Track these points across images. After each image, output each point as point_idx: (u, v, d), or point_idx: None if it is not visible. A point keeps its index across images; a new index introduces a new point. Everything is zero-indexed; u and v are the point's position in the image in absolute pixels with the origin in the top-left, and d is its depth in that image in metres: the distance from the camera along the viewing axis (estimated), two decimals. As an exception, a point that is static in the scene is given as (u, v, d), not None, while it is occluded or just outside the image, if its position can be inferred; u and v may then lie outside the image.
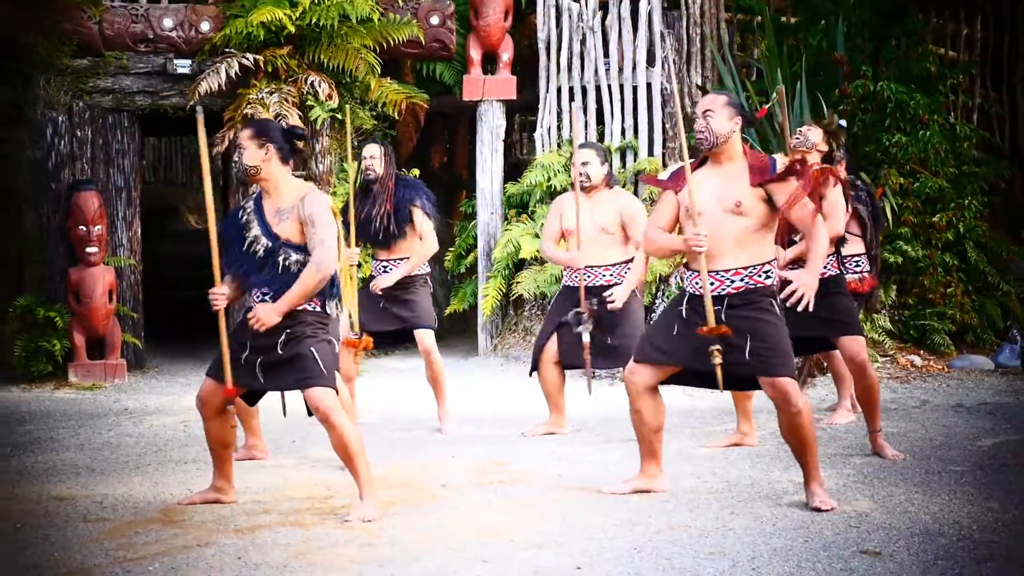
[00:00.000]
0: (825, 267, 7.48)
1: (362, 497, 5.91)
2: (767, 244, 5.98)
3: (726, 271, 5.93)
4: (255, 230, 5.93)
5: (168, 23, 11.85)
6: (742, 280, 5.93)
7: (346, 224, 8.33)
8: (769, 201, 5.92)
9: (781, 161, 5.94)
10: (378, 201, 8.45)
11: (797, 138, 7.56)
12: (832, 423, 8.54)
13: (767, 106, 8.69)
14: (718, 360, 5.88)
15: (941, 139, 11.92)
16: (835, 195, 7.42)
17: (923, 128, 11.82)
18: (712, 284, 5.96)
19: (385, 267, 8.54)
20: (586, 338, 7.95)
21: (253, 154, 5.91)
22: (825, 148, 7.60)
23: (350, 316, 8.02)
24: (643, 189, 12.03)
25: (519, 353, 11.86)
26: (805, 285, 5.80)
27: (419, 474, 6.91)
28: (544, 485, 6.58)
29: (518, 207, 12.64)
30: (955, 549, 5.22)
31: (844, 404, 8.71)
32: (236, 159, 5.93)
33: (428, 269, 8.64)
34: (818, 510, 5.88)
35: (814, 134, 7.55)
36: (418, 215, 8.44)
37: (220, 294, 5.97)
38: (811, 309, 5.86)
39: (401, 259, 8.51)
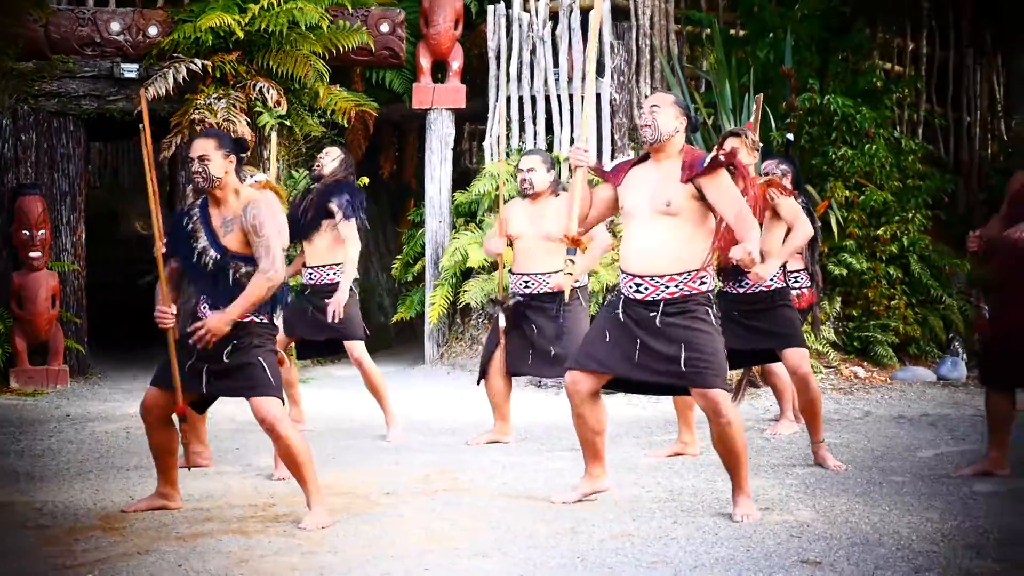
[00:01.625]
0: (771, 279, 7.54)
1: (310, 505, 5.89)
2: (702, 250, 5.93)
3: (660, 276, 5.90)
4: (203, 241, 5.87)
5: (115, 27, 11.75)
6: (676, 287, 5.90)
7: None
8: (702, 198, 5.88)
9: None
10: (307, 198, 8.42)
11: None
12: (775, 433, 8.60)
13: (751, 120, 8.68)
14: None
15: (886, 153, 12.04)
16: (789, 203, 7.46)
17: (869, 142, 11.93)
18: (647, 289, 5.95)
19: (311, 274, 8.49)
20: (501, 322, 8.09)
21: (220, 164, 5.84)
22: (755, 158, 7.60)
23: None
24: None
25: (465, 361, 11.85)
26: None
27: (363, 482, 6.88)
28: (489, 494, 6.58)
29: (466, 216, 12.64)
30: (894, 559, 5.25)
31: (787, 415, 8.77)
32: (197, 171, 5.82)
33: (356, 275, 8.47)
34: (741, 522, 5.90)
35: (743, 155, 7.48)
36: (336, 213, 8.30)
37: (168, 313, 5.90)
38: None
39: (325, 265, 8.45)
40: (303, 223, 8.41)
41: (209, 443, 7.55)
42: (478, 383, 8.36)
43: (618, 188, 6.12)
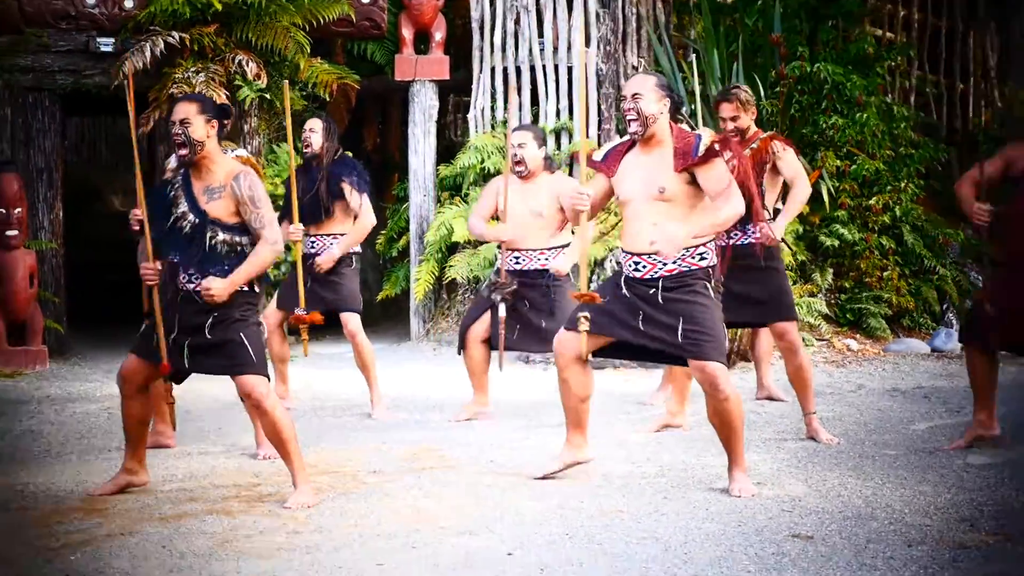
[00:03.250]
0: (756, 234, 7.38)
1: (296, 484, 5.84)
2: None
3: (658, 254, 5.83)
4: (183, 206, 5.80)
5: (91, 0, 11.58)
6: (675, 263, 5.88)
7: (287, 201, 8.26)
8: (694, 182, 5.88)
9: (707, 137, 5.86)
10: (317, 177, 8.38)
11: (731, 132, 7.36)
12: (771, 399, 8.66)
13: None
14: (584, 327, 5.92)
15: (878, 121, 11.96)
16: (790, 159, 7.38)
17: (860, 110, 11.84)
18: (645, 267, 5.94)
19: (313, 243, 8.46)
20: (502, 312, 7.94)
21: (201, 128, 5.77)
22: (754, 114, 7.50)
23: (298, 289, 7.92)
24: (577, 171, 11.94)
25: (452, 337, 11.75)
26: (669, 243, 5.74)
27: (349, 460, 6.81)
28: (476, 471, 6.51)
29: (451, 189, 12.54)
30: (887, 532, 5.21)
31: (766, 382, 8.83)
32: (177, 134, 5.75)
33: (359, 249, 8.55)
34: (738, 497, 5.84)
35: (744, 120, 7.42)
36: (347, 190, 8.39)
37: (153, 269, 5.88)
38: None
39: (330, 235, 8.44)
40: (318, 207, 8.41)
41: (191, 422, 7.47)
42: (459, 352, 8.27)
43: (612, 179, 6.10)
